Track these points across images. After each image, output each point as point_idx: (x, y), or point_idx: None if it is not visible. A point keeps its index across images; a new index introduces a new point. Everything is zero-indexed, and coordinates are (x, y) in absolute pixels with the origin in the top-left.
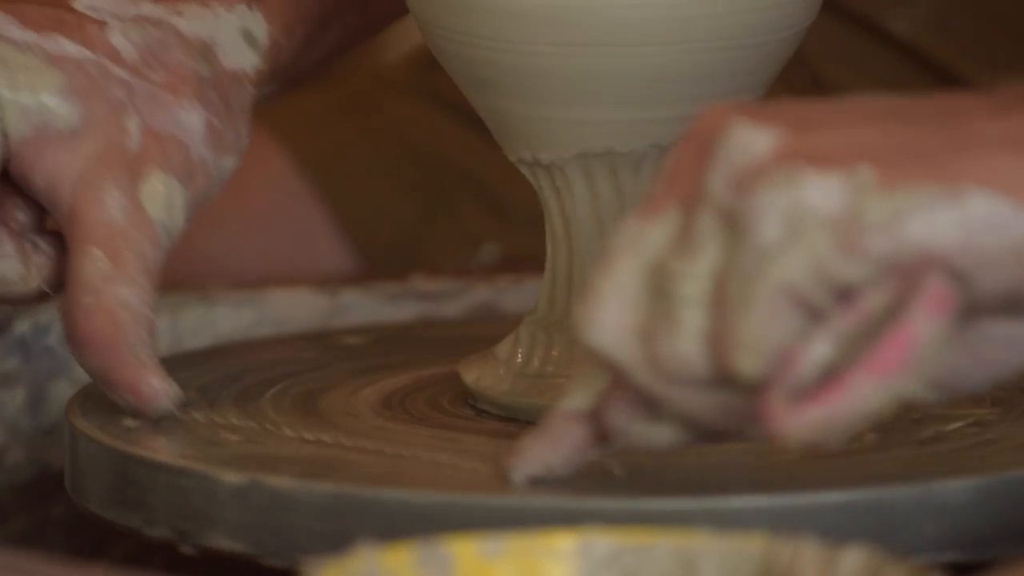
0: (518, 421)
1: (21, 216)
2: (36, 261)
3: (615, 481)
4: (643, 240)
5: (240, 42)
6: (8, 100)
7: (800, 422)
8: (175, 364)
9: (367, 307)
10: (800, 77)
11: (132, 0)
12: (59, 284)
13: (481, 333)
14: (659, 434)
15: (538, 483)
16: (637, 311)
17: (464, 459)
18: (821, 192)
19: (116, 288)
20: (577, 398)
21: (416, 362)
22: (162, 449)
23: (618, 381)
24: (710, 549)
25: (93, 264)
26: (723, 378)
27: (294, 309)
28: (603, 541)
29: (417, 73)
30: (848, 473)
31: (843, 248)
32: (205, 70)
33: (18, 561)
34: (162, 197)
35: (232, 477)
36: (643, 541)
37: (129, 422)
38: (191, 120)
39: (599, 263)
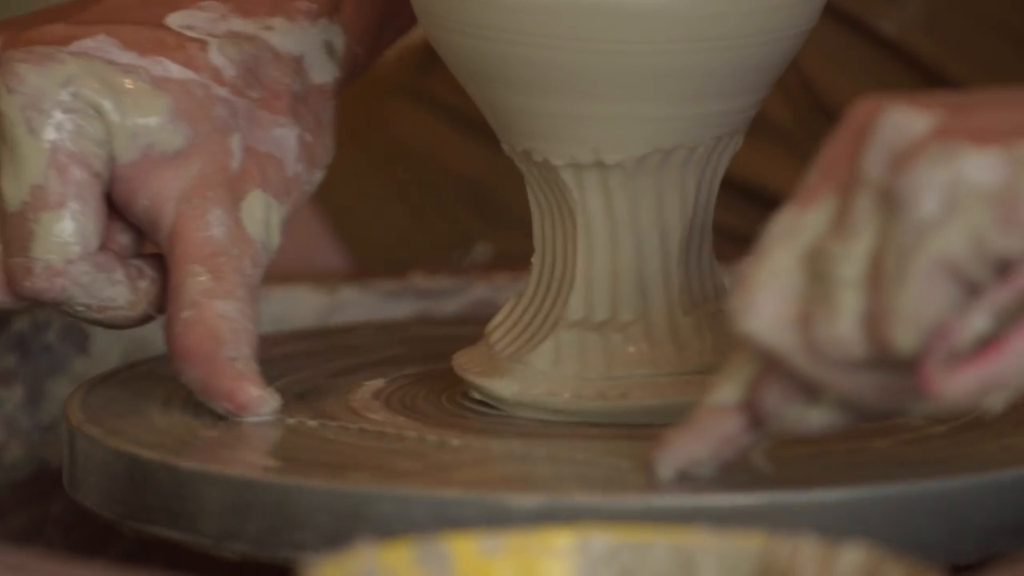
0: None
1: (123, 239)
2: (141, 285)
3: (760, 476)
4: (799, 227)
5: (323, 55)
6: (117, 124)
7: (959, 386)
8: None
9: (366, 305)
10: (790, 78)
11: (222, 16)
12: (162, 306)
13: (480, 330)
14: (816, 417)
15: (685, 478)
16: (794, 298)
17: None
18: (980, 166)
19: (216, 302)
20: (727, 391)
21: (413, 359)
22: (161, 447)
23: (772, 368)
24: (709, 547)
25: (194, 280)
26: (881, 356)
27: (293, 307)
28: (601, 539)
29: (408, 74)
30: (849, 471)
31: (1002, 222)
32: (297, 85)
33: (17, 558)
34: (261, 215)
35: (235, 476)
36: (641, 539)
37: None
38: (286, 137)
39: (753, 254)
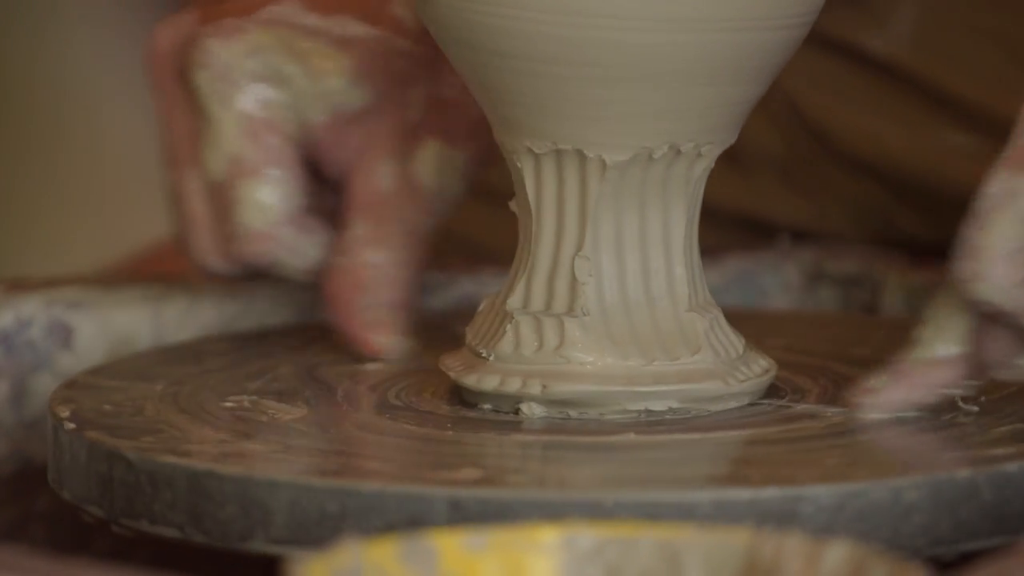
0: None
1: (324, 201)
2: None
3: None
4: (1017, 191)
5: None
6: (304, 89)
7: None
8: (157, 357)
9: None
10: (779, 104)
11: None
12: None
13: (464, 325)
14: None
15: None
16: (1019, 259)
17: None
18: None
19: (367, 251)
20: (944, 345)
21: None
22: (146, 443)
23: (996, 323)
24: (694, 542)
25: (353, 230)
26: None
27: (278, 302)
28: (587, 534)
29: None
30: (834, 469)
31: None
32: None
33: (1, 554)
34: (435, 164)
35: (219, 470)
36: (627, 534)
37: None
38: None
39: (973, 220)
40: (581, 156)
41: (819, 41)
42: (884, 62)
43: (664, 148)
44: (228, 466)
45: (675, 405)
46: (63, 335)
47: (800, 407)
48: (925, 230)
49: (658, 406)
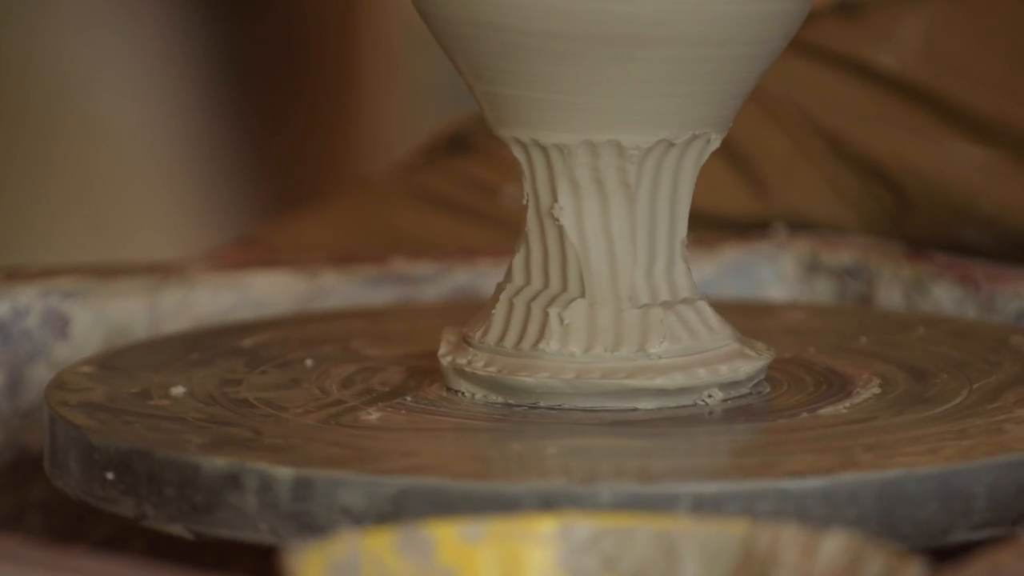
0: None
1: None
2: None
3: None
4: None
5: None
6: None
7: None
8: (153, 347)
9: (347, 290)
10: (797, 122)
11: None
12: None
13: (461, 316)
14: None
15: None
16: None
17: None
18: None
19: None
20: None
21: (395, 344)
22: (142, 433)
23: None
24: (691, 533)
25: None
26: None
27: (274, 292)
28: (583, 525)
29: (405, 178)
30: (828, 459)
31: None
32: None
33: None
34: None
35: (214, 461)
36: (623, 525)
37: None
38: None
39: None
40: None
41: (829, 58)
42: (894, 77)
43: (683, 135)
44: (223, 456)
45: (670, 399)
46: (59, 325)
47: (794, 399)
48: (931, 235)
49: (649, 402)
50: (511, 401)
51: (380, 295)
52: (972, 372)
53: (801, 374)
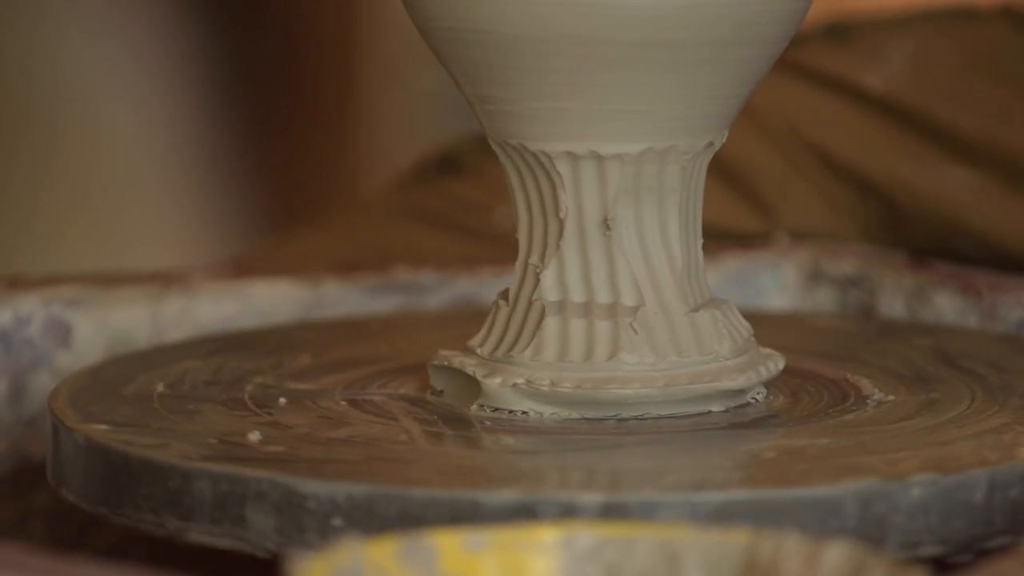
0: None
1: None
2: None
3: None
4: None
5: None
6: None
7: None
8: (156, 356)
9: (349, 299)
10: (791, 142)
11: None
12: None
13: (463, 326)
14: None
15: None
16: None
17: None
18: None
19: None
20: None
21: (395, 353)
22: (145, 441)
23: None
24: (693, 542)
25: None
26: None
27: (276, 301)
28: (586, 534)
29: (397, 197)
30: (828, 470)
31: None
32: None
33: None
34: None
35: (218, 470)
36: (626, 534)
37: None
38: None
39: None
40: (596, 156)
41: (818, 79)
42: (882, 99)
43: (720, 137)
44: (231, 465)
45: (733, 400)
46: (62, 333)
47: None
48: (927, 244)
49: (720, 404)
50: (587, 415)
51: (382, 304)
52: (974, 379)
53: (808, 385)
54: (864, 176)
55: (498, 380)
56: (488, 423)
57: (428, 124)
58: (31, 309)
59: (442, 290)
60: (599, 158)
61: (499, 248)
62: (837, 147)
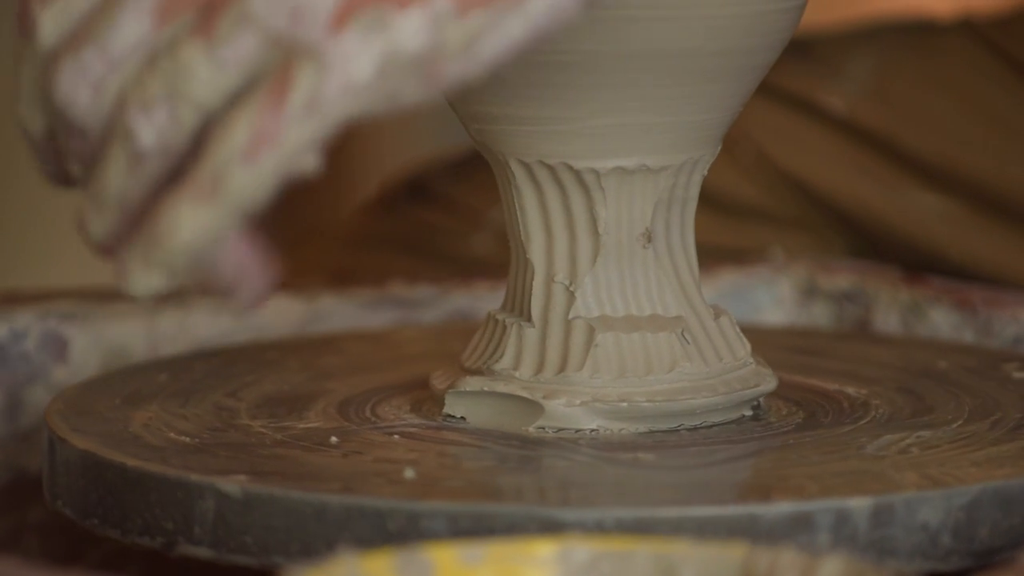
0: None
1: None
2: None
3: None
4: None
5: None
6: None
7: None
8: (152, 370)
9: (344, 313)
10: (745, 152)
11: None
12: None
13: (458, 340)
14: None
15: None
16: None
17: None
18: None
19: None
20: None
21: (391, 367)
22: (140, 455)
23: None
24: (690, 556)
25: None
26: None
27: (271, 315)
28: (583, 548)
29: (367, 224)
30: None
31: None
32: None
33: None
34: None
35: (215, 484)
36: (623, 548)
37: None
38: None
39: None
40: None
41: (779, 95)
42: (841, 116)
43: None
44: (222, 478)
45: (724, 415)
46: (57, 347)
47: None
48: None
49: (750, 408)
50: (656, 428)
51: (378, 318)
52: (965, 394)
53: (808, 398)
54: (839, 206)
55: (562, 400)
56: (588, 443)
57: (422, 137)
58: (27, 323)
59: (437, 305)
60: (648, 171)
61: (474, 271)
62: (808, 171)
